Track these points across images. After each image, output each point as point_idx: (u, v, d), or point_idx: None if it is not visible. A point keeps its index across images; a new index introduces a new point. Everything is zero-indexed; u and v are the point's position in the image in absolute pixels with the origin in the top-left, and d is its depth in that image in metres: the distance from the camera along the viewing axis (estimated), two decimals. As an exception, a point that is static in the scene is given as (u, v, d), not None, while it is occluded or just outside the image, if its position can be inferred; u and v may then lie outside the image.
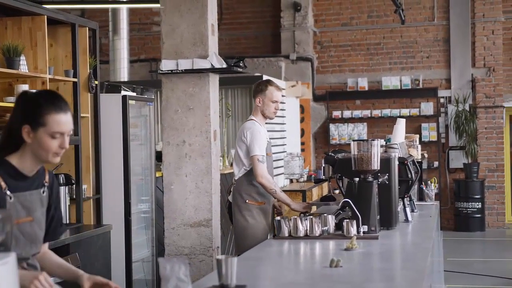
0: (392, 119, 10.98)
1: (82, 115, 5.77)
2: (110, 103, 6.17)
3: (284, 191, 5.52)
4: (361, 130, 12.20)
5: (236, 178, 5.23)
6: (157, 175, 6.71)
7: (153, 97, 7.12)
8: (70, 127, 2.72)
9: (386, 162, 4.36)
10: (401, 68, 12.32)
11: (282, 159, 9.73)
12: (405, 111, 11.96)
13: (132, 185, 6.30)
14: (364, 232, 4.06)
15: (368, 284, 2.98)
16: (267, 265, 3.50)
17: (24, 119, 2.67)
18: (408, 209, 4.82)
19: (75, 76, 5.66)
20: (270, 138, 5.44)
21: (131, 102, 6.30)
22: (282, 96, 5.81)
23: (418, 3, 12.24)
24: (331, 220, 4.09)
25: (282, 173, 9.65)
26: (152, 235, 6.77)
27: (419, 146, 6.65)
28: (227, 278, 2.64)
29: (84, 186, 5.79)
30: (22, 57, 5.14)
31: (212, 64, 5.16)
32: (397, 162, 4.56)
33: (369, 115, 12.14)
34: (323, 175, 5.22)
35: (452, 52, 12.07)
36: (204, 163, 5.24)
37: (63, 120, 2.68)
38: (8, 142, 2.72)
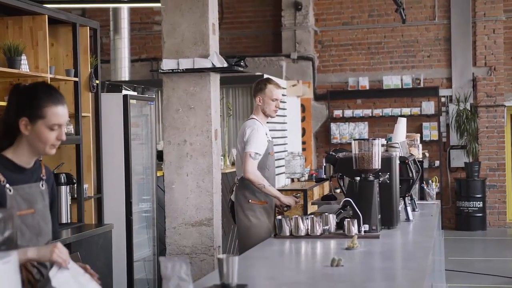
0: (393, 118, 10.99)
1: (83, 114, 5.76)
2: (111, 103, 6.17)
3: (285, 190, 5.52)
4: (362, 129, 12.19)
5: (238, 178, 5.21)
6: (158, 175, 6.71)
7: (154, 96, 7.13)
8: (67, 118, 2.76)
9: (387, 161, 4.36)
10: (402, 67, 12.30)
11: (283, 158, 9.73)
12: (406, 110, 11.94)
13: (133, 185, 6.29)
14: (365, 231, 4.06)
15: (369, 284, 2.98)
16: (268, 264, 3.50)
17: (21, 112, 2.67)
18: (409, 208, 4.81)
19: (76, 75, 5.66)
20: (271, 138, 5.43)
21: (132, 101, 6.29)
22: (283, 94, 5.80)
23: (419, 2, 12.22)
24: (332, 219, 4.09)
25: (283, 173, 9.64)
26: (154, 235, 6.77)
27: (420, 145, 6.64)
28: (228, 277, 2.64)
29: (85, 186, 5.79)
30: (23, 57, 5.14)
31: (213, 64, 5.16)
32: (398, 161, 4.55)
33: (370, 114, 12.13)
34: (324, 174, 5.23)
35: (453, 51, 12.06)
36: (205, 163, 5.24)
37: (61, 112, 2.70)
38: (3, 137, 2.71)
